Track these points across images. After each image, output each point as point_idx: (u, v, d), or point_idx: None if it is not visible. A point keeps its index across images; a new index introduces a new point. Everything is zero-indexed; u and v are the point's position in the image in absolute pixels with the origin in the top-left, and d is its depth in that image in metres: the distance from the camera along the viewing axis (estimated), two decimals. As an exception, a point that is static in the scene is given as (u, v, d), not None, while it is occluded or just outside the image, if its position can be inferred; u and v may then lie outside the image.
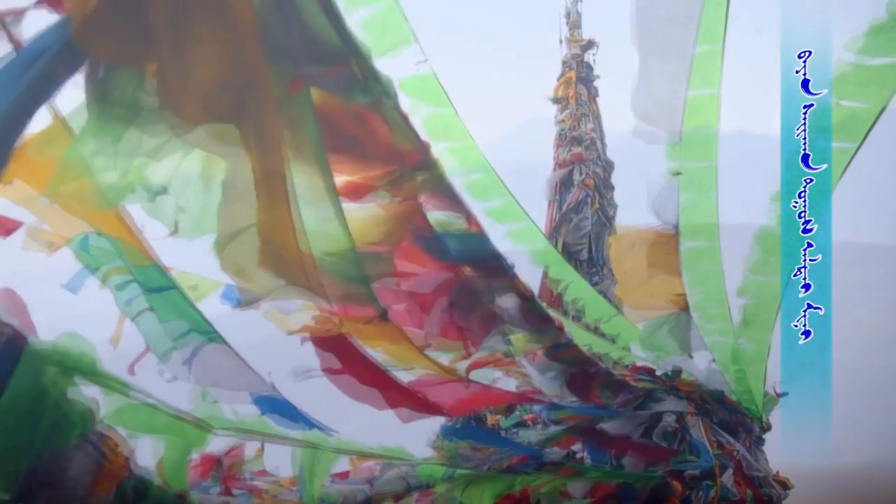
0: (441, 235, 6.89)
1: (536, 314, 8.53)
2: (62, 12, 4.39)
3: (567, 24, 15.10)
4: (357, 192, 6.16)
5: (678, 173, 10.81)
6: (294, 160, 5.16)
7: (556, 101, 15.12)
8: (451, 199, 6.60)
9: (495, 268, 7.54)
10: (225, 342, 7.59)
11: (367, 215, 6.43)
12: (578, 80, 14.93)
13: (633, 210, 13.85)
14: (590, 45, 14.99)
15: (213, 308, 9.01)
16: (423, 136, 6.01)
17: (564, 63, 15.06)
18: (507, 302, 8.02)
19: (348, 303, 6.86)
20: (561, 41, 15.10)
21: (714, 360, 11.94)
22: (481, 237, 7.09)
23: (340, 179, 5.83)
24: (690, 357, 11.73)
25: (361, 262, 6.27)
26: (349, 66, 5.09)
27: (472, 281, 7.56)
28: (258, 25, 4.60)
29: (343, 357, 7.67)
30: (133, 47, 4.53)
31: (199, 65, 4.60)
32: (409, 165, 5.99)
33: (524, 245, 12.77)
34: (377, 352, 8.01)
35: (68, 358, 5.28)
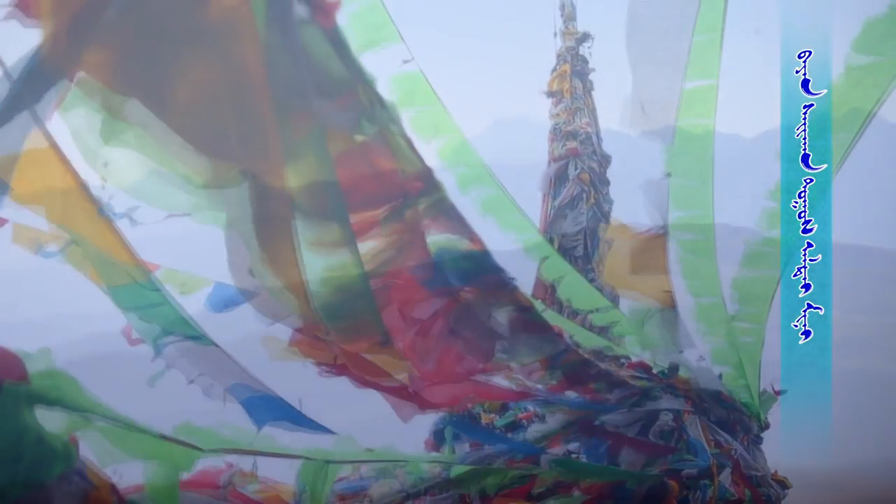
0: (439, 262, 7.09)
1: (536, 324, 8.74)
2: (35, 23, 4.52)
3: (562, 16, 15.14)
4: (359, 232, 6.39)
5: (668, 174, 11.00)
6: (303, 203, 5.38)
7: (550, 94, 15.14)
8: (453, 219, 6.79)
9: (496, 283, 7.74)
10: (216, 344, 7.71)
11: (365, 248, 6.63)
12: (573, 73, 14.98)
13: (629, 206, 14.05)
14: (585, 37, 15.05)
15: (198, 303, 9.19)
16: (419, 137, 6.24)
17: (559, 56, 15.11)
18: (506, 318, 8.22)
19: (351, 334, 7.10)
20: (555, 34, 15.12)
21: (703, 357, 12.13)
22: (483, 254, 7.29)
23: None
24: (680, 352, 11.95)
25: (370, 294, 6.46)
26: (356, 94, 5.29)
27: (471, 304, 7.77)
28: (265, 63, 4.78)
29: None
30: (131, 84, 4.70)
31: (203, 103, 4.79)
32: (412, 195, 6.22)
33: (516, 238, 12.88)
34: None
35: (48, 393, 5.42)
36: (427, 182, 6.26)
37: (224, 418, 7.88)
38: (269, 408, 8.24)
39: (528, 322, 8.60)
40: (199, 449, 6.97)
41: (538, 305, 10.64)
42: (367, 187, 6.19)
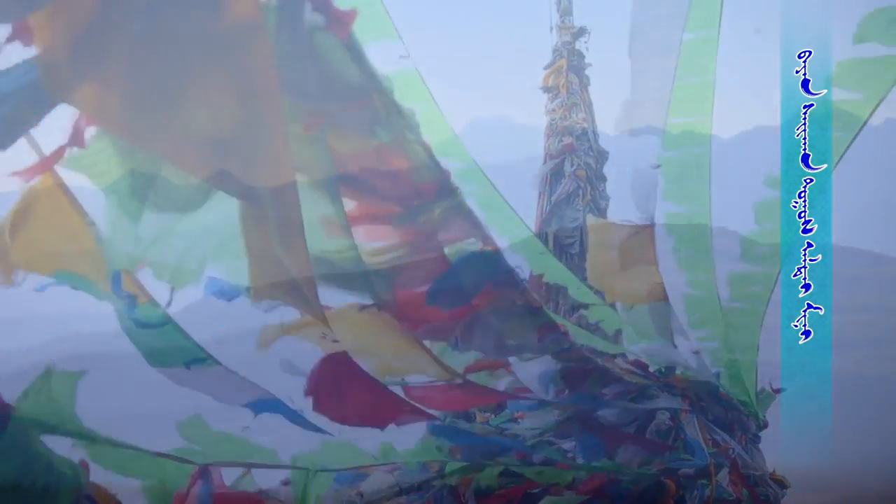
0: (453, 269, 7.22)
1: (544, 326, 8.88)
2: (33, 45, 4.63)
3: (558, 10, 15.26)
4: (371, 230, 6.54)
5: (658, 165, 11.12)
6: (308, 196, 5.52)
7: (546, 90, 15.24)
8: (468, 222, 6.93)
9: (506, 282, 7.88)
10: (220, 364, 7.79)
11: (376, 245, 6.79)
12: (569, 68, 15.08)
13: (626, 202, 14.16)
14: (581, 32, 15.17)
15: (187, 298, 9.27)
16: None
17: (555, 51, 15.22)
18: (516, 323, 8.38)
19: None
20: (551, 29, 15.24)
21: (698, 351, 12.25)
22: (495, 255, 7.43)
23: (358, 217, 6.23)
24: (674, 346, 12.08)
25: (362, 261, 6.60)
26: (370, 101, 5.41)
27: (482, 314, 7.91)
28: (275, 64, 4.89)
29: (341, 377, 7.99)
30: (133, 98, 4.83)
31: (211, 111, 4.93)
32: (427, 199, 6.36)
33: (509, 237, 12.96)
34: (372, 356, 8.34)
35: (50, 418, 5.54)
36: (442, 187, 6.40)
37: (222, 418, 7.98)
38: (266, 401, 8.33)
39: (538, 324, 8.75)
40: (193, 463, 7.10)
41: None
42: (379, 183, 6.31)
